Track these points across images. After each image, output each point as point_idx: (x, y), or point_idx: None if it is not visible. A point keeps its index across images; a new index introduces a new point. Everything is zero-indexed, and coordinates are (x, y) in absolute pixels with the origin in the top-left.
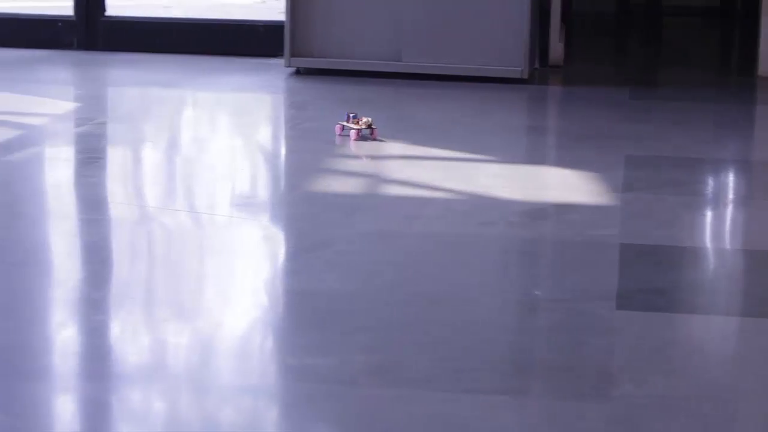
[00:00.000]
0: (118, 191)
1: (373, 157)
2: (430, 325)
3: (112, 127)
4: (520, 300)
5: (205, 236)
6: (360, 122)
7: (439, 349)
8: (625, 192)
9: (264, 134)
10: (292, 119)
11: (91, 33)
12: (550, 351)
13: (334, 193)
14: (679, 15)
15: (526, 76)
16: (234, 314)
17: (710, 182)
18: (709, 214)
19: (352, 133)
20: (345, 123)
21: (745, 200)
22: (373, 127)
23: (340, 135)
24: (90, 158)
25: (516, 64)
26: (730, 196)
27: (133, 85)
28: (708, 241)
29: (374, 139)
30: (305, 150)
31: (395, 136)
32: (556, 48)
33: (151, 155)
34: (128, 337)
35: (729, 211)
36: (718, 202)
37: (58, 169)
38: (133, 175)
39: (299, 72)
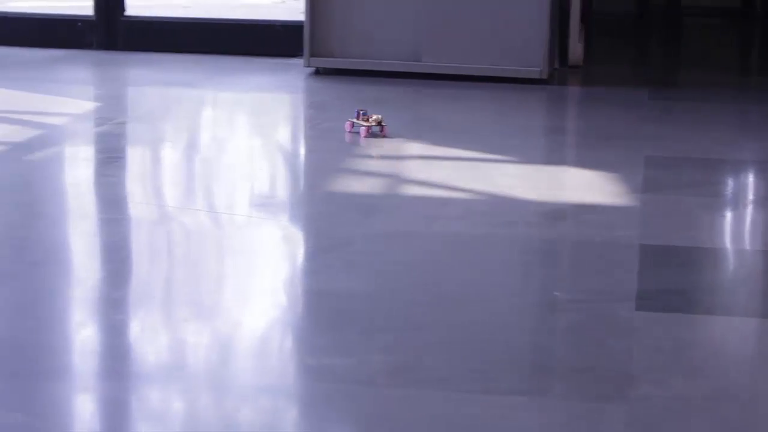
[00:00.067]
0: (137, 191)
1: (383, 156)
2: (449, 326)
3: (132, 126)
4: (539, 301)
5: (224, 236)
6: (370, 119)
7: (458, 349)
8: (645, 193)
9: (283, 134)
10: (311, 119)
11: (110, 33)
12: (570, 352)
13: (353, 193)
14: (698, 15)
15: (545, 77)
16: (253, 314)
17: (730, 183)
18: (728, 215)
19: (362, 130)
20: (355, 120)
21: (764, 201)
22: (383, 124)
23: (350, 132)
24: (110, 158)
25: (535, 65)
26: (750, 197)
27: (153, 84)
28: (728, 242)
29: (384, 136)
30: (324, 150)
31: (414, 137)
32: (576, 48)
33: (171, 155)
34: (147, 337)
35: (749, 212)
36: (737, 203)
37: (78, 169)
38: (153, 174)
39: (318, 72)
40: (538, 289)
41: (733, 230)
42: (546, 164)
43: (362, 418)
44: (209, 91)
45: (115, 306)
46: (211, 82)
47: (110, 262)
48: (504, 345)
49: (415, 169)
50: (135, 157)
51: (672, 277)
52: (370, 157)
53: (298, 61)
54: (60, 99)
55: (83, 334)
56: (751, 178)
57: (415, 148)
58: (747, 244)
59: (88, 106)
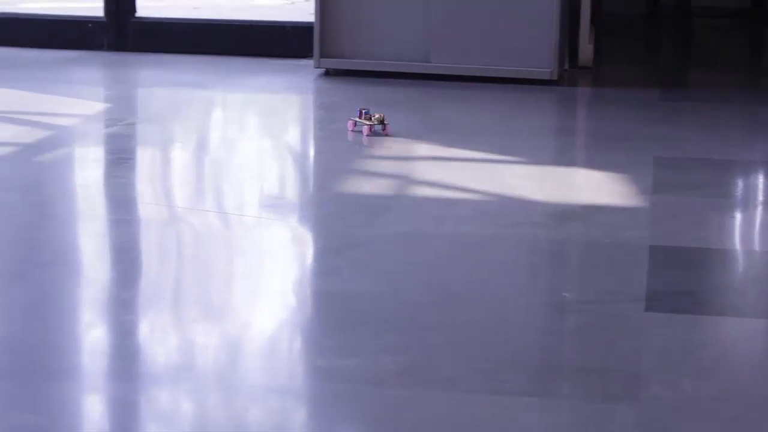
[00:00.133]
0: (147, 192)
1: (393, 157)
2: (459, 326)
3: (142, 127)
4: (548, 301)
5: (233, 237)
6: (372, 118)
7: (466, 349)
8: (655, 194)
9: (293, 135)
10: (321, 120)
11: (121, 34)
12: (579, 352)
13: (362, 193)
14: (708, 16)
15: (555, 78)
16: (262, 315)
17: (740, 184)
18: (738, 217)
19: (364, 128)
20: (357, 119)
21: None
22: (385, 122)
23: (352, 131)
24: (120, 159)
25: (545, 66)
26: (760, 197)
27: (163, 85)
28: (737, 243)
29: (386, 135)
30: (334, 150)
31: (424, 137)
32: (586, 49)
33: (181, 156)
34: (157, 338)
35: (758, 213)
36: (747, 205)
37: (88, 170)
38: (163, 175)
39: (328, 73)
40: (547, 289)
41: (742, 231)
42: (555, 165)
43: (371, 419)
44: (219, 92)
45: (124, 306)
46: (221, 83)
47: (120, 262)
48: (512, 345)
49: (424, 170)
50: (145, 158)
51: (681, 278)
52: (375, 155)
53: (308, 62)
54: (70, 100)
55: (93, 335)
56: (761, 179)
57: (424, 148)
58: (756, 245)
59: (99, 107)
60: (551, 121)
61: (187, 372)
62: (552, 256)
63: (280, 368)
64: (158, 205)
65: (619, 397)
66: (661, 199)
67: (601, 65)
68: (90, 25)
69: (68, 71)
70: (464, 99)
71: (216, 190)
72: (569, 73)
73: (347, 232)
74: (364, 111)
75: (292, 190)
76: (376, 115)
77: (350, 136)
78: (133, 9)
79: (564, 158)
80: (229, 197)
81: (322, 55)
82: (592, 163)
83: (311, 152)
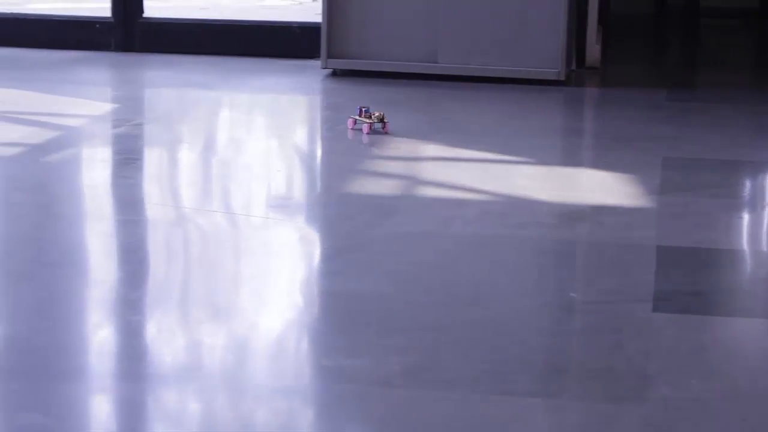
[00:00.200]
0: (154, 192)
1: (400, 158)
2: (466, 327)
3: (149, 128)
4: (556, 302)
5: (241, 237)
6: (372, 116)
7: (474, 350)
8: (662, 194)
9: (300, 135)
10: (328, 120)
11: (128, 34)
12: (587, 353)
13: (369, 194)
14: (716, 16)
15: (562, 78)
16: (269, 315)
17: (748, 185)
18: (746, 217)
19: (364, 126)
20: (357, 117)
21: None
22: (385, 121)
23: (352, 129)
24: (127, 159)
25: (553, 66)
26: None
27: (170, 86)
28: (745, 244)
29: (386, 133)
30: (341, 151)
31: (431, 138)
32: (593, 49)
33: (188, 156)
34: (164, 338)
35: (766, 213)
36: (755, 205)
37: (96, 170)
38: (170, 176)
39: (336, 73)
40: (555, 290)
41: (750, 232)
42: (563, 165)
43: (377, 419)
44: (226, 92)
45: (131, 307)
46: (228, 83)
47: (127, 263)
48: (520, 346)
49: (431, 170)
50: (152, 159)
51: (689, 278)
52: (382, 156)
53: (315, 63)
54: (78, 100)
55: (100, 335)
56: None
57: (431, 149)
58: (764, 245)
59: (106, 107)
60: (558, 121)
61: (194, 372)
62: (559, 256)
63: (287, 368)
64: (165, 206)
65: (626, 398)
66: (669, 200)
67: (609, 65)
68: (97, 25)
69: (76, 72)
70: (471, 99)
71: (223, 191)
72: (576, 74)
73: (354, 233)
74: (364, 109)
75: (299, 191)
76: (376, 114)
77: (350, 134)
78: (141, 9)
79: (571, 159)
80: (236, 198)
81: (329, 56)
82: (599, 164)
83: (318, 153)
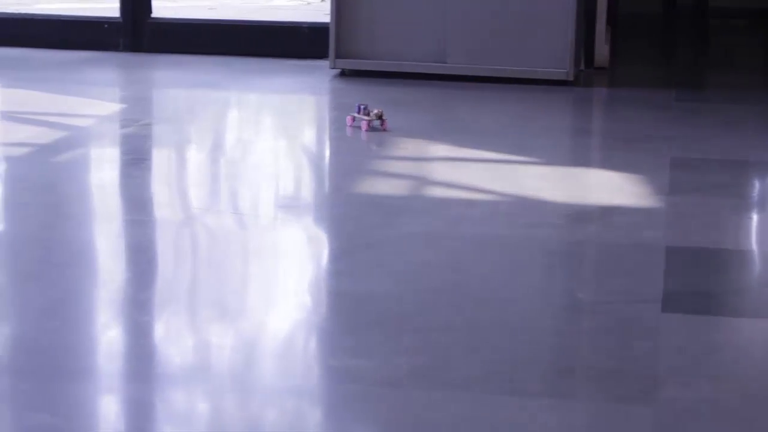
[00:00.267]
0: (163, 192)
1: (409, 158)
2: (475, 327)
3: (158, 128)
4: (564, 302)
5: (249, 237)
6: (371, 113)
7: (483, 351)
8: (671, 194)
9: (308, 136)
10: (336, 121)
11: (137, 35)
12: (596, 353)
13: (378, 194)
14: (725, 17)
15: (571, 78)
16: (277, 315)
17: (757, 185)
18: (755, 217)
19: (363, 124)
20: (356, 114)
21: None
22: (383, 118)
23: (350, 126)
24: (135, 159)
25: (561, 66)
26: None
27: (178, 86)
28: (754, 244)
29: (384, 130)
30: (349, 151)
31: (440, 138)
32: (602, 50)
33: (196, 156)
34: (173, 338)
35: None
36: (764, 205)
37: (104, 171)
38: (178, 176)
39: (344, 73)
40: (564, 290)
41: (759, 232)
42: (571, 166)
43: (385, 420)
44: (235, 92)
45: (140, 307)
46: (236, 83)
47: (136, 263)
48: (529, 346)
49: (440, 171)
50: (160, 159)
51: (698, 278)
52: (390, 156)
53: (324, 63)
54: (86, 101)
55: (109, 336)
56: None
57: (440, 149)
58: None
59: (114, 107)
60: (567, 121)
61: (202, 372)
62: (568, 256)
63: (295, 369)
64: (174, 206)
65: (635, 398)
66: (678, 200)
67: (617, 66)
68: (106, 25)
69: (84, 72)
70: (480, 99)
71: (231, 191)
72: (585, 74)
73: (363, 233)
74: (362, 107)
75: (307, 191)
76: (375, 111)
77: (349, 131)
78: (149, 10)
79: (580, 159)
80: (244, 198)
81: (338, 56)
82: (608, 164)
83: (326, 153)
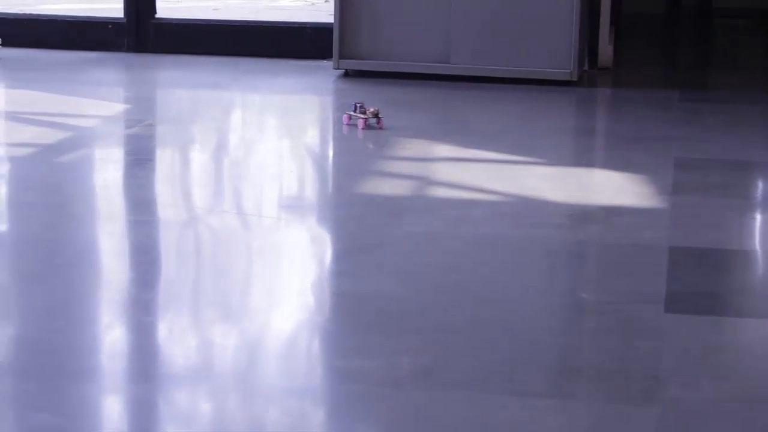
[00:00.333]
0: (166, 193)
1: (412, 158)
2: (478, 328)
3: (162, 128)
4: (567, 302)
5: (252, 238)
6: (367, 112)
7: (486, 351)
8: (674, 195)
9: (311, 136)
10: (339, 121)
11: (141, 35)
12: (598, 354)
13: (381, 194)
14: (729, 17)
15: (575, 79)
16: (281, 316)
17: (760, 185)
18: (758, 217)
19: (359, 122)
20: (352, 113)
21: None
22: (379, 116)
23: (347, 125)
24: (139, 160)
25: (565, 67)
26: None
27: (183, 86)
28: (757, 245)
29: (380, 128)
30: (353, 152)
31: (443, 138)
32: (605, 50)
33: (200, 157)
34: (176, 338)
35: None
36: (767, 205)
37: (108, 171)
38: (182, 176)
39: (348, 74)
40: (566, 290)
41: (762, 232)
42: (575, 166)
43: (388, 420)
44: (238, 93)
45: (144, 307)
46: (240, 84)
47: (139, 263)
48: (531, 346)
49: (442, 171)
50: (164, 159)
51: (701, 279)
52: (393, 156)
53: (328, 63)
54: (90, 101)
55: (112, 336)
56: None
57: (443, 149)
58: None
59: (118, 108)
60: (570, 122)
61: (205, 373)
62: (570, 257)
63: (298, 369)
64: (178, 206)
65: (638, 399)
66: (681, 200)
67: (621, 66)
68: (110, 26)
69: (88, 72)
70: (483, 100)
71: (235, 191)
72: (589, 74)
73: (366, 233)
74: (358, 105)
75: (310, 191)
76: (371, 109)
77: (345, 129)
78: (153, 10)
79: (583, 159)
80: (247, 198)
81: (341, 56)
82: (611, 164)
83: (330, 153)
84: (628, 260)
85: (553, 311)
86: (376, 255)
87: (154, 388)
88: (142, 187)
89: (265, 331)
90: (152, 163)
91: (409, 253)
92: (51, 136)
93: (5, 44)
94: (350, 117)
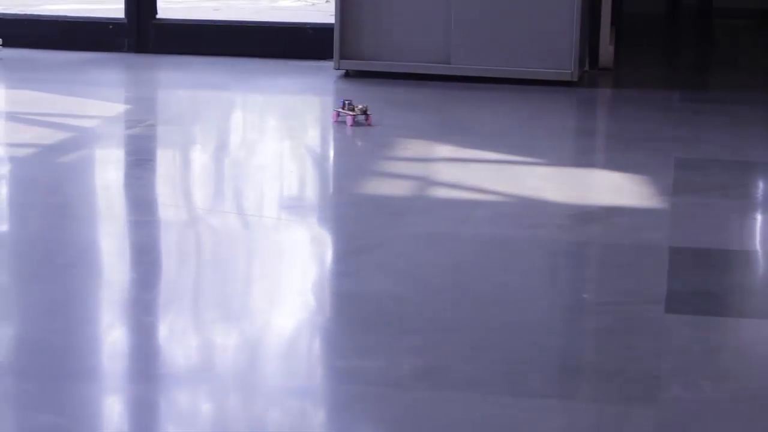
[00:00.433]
0: (167, 193)
1: (413, 159)
2: (479, 328)
3: (162, 129)
4: (568, 303)
5: (253, 238)
6: (355, 109)
7: (487, 351)
8: (675, 195)
9: (312, 137)
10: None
11: (142, 36)
12: (599, 354)
13: (382, 195)
14: (729, 17)
15: (575, 79)
16: (282, 316)
17: (760, 185)
18: (758, 218)
19: (348, 118)
20: (340, 110)
21: None
22: (368, 113)
23: (335, 122)
24: (140, 160)
25: (565, 67)
26: None
27: (183, 87)
28: (757, 245)
29: (369, 125)
30: (354, 152)
31: (444, 139)
32: (606, 50)
33: (200, 157)
34: (177, 339)
35: None
36: (767, 205)
37: (109, 171)
38: (183, 177)
39: (348, 74)
40: (567, 291)
41: (763, 232)
42: (575, 166)
43: (390, 420)
44: (239, 93)
45: (144, 308)
46: (241, 84)
47: (140, 264)
48: (532, 347)
49: (443, 171)
50: (165, 160)
51: (701, 279)
52: (394, 157)
53: (328, 64)
54: (91, 101)
55: (113, 336)
56: None
57: (443, 150)
58: None
59: (119, 108)
60: (571, 122)
61: (206, 373)
62: (572, 257)
63: (299, 369)
64: (178, 207)
65: (638, 399)
66: (682, 201)
67: (622, 66)
68: (111, 26)
69: (89, 73)
70: (484, 100)
71: (235, 192)
72: (589, 75)
73: (367, 234)
74: (347, 102)
75: (311, 192)
76: (359, 106)
77: (334, 126)
78: (154, 11)
79: (584, 159)
80: (248, 199)
81: (342, 57)
82: (612, 165)
83: (330, 154)
84: (628, 260)
85: (553, 311)
86: (377, 255)
87: (155, 388)
88: (143, 188)
89: (265, 331)
90: (153, 163)
91: (409, 254)
92: (51, 137)
93: (6, 44)
94: (338, 114)
